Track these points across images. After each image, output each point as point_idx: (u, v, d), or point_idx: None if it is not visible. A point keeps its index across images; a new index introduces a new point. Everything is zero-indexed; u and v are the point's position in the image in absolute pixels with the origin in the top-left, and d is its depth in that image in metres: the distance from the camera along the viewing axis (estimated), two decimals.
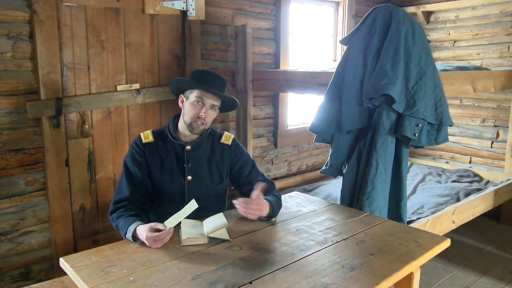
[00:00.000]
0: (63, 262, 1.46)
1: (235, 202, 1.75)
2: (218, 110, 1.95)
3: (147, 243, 1.55)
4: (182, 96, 1.90)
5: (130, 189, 1.80)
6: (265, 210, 1.77)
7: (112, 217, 1.75)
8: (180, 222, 1.70)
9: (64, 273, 1.49)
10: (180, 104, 1.91)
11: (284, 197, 2.19)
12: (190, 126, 1.86)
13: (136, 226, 1.60)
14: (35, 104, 2.27)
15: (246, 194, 1.93)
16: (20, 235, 2.37)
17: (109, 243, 1.61)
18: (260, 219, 1.80)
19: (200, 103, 1.83)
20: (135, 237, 1.60)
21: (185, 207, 1.63)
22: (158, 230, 1.56)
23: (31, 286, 1.67)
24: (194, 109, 1.83)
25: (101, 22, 2.48)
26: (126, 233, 1.62)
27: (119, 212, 1.74)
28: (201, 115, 1.82)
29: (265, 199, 1.80)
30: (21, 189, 2.34)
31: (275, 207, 1.82)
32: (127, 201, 1.78)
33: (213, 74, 1.91)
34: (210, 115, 1.87)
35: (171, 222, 1.60)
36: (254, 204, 1.75)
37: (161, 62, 2.78)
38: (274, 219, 1.85)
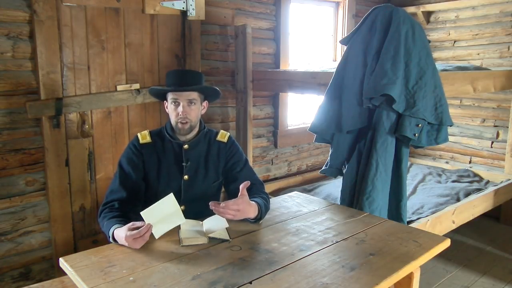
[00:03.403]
0: (63, 262, 1.46)
1: (211, 205, 1.60)
2: (206, 102, 1.95)
3: (127, 244, 1.52)
4: (166, 102, 1.91)
5: (122, 191, 1.79)
6: (252, 212, 1.70)
7: (99, 220, 1.74)
8: (180, 222, 1.71)
9: (64, 273, 1.49)
10: (166, 110, 1.92)
11: (284, 197, 2.19)
12: (176, 128, 1.86)
13: (114, 230, 1.59)
14: (35, 104, 2.27)
15: (232, 192, 1.91)
16: (20, 235, 2.37)
17: (109, 243, 1.62)
18: (247, 220, 1.75)
19: (176, 103, 1.83)
20: (115, 240, 1.59)
21: (162, 199, 1.62)
22: (137, 229, 1.54)
23: (31, 286, 1.67)
24: (173, 111, 1.84)
25: (101, 22, 2.48)
26: (109, 237, 1.62)
27: (104, 213, 1.73)
28: (180, 114, 1.82)
29: (254, 201, 1.74)
30: (21, 189, 2.35)
31: (264, 209, 1.78)
32: (118, 201, 1.76)
33: (183, 71, 1.91)
34: (192, 111, 1.84)
35: (147, 213, 1.58)
36: (235, 205, 1.62)
37: (161, 62, 2.78)
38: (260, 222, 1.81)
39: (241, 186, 1.67)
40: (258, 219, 1.76)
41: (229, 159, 1.97)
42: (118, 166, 1.88)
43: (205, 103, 1.95)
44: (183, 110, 1.82)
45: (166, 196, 1.63)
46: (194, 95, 1.85)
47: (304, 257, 1.50)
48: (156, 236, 1.60)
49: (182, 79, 1.85)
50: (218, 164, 1.96)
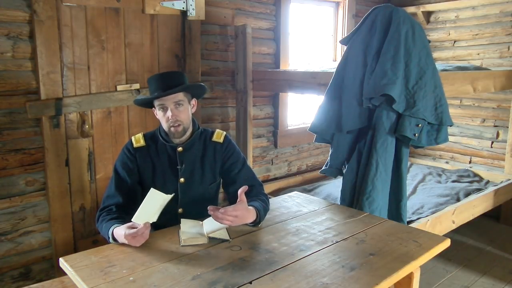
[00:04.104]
0: (63, 262, 1.46)
1: (210, 209, 1.57)
2: (195, 100, 1.92)
3: (127, 242, 1.54)
4: (154, 109, 1.88)
5: (118, 196, 1.79)
6: (250, 217, 1.67)
7: (97, 224, 1.74)
8: (180, 222, 1.71)
9: (64, 273, 1.49)
10: (156, 117, 1.89)
11: (284, 197, 2.19)
12: (170, 133, 1.84)
13: (113, 229, 1.60)
14: (35, 104, 2.27)
15: (231, 195, 1.90)
16: (20, 235, 2.37)
17: (108, 243, 1.62)
18: (246, 224, 1.72)
19: (163, 108, 1.80)
20: (115, 240, 1.59)
21: (146, 198, 1.61)
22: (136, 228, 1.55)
23: (31, 286, 1.67)
24: (162, 117, 1.82)
25: (101, 22, 2.48)
26: (108, 238, 1.62)
27: (102, 217, 1.73)
28: (170, 118, 1.79)
29: (251, 205, 1.71)
30: (21, 189, 2.35)
31: (262, 213, 1.75)
32: (115, 206, 1.76)
33: (163, 74, 1.86)
34: (181, 113, 1.81)
35: (138, 216, 1.58)
36: (234, 211, 1.58)
37: (161, 62, 2.78)
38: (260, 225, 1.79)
39: (239, 192, 1.63)
40: (256, 223, 1.74)
41: (226, 160, 1.94)
42: (113, 171, 1.87)
43: (193, 101, 1.91)
44: (172, 114, 1.79)
45: (148, 193, 1.62)
46: (180, 96, 1.80)
47: (304, 257, 1.50)
48: (136, 221, 1.59)
49: (164, 82, 1.80)
50: (215, 165, 1.93)
